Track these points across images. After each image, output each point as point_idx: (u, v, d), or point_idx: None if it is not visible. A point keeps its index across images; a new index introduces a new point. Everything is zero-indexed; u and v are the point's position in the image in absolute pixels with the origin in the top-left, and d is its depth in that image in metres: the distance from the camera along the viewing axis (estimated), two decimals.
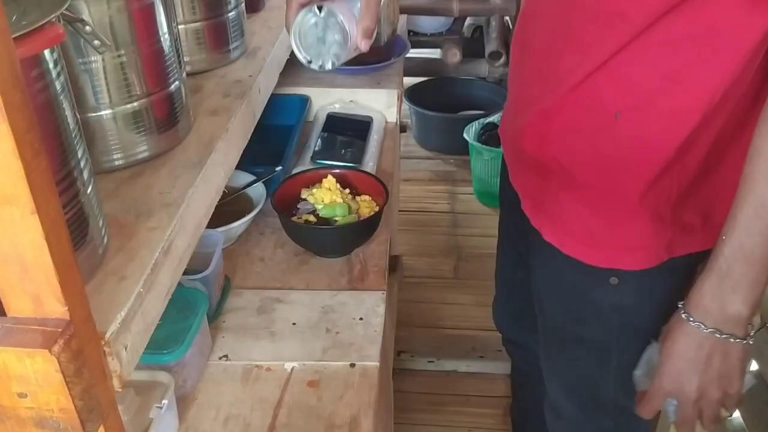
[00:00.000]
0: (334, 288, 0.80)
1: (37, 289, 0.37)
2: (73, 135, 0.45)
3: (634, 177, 0.67)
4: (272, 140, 0.95)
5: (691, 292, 0.66)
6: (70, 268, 0.38)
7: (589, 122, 0.68)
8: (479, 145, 2.07)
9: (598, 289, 0.74)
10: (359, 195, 0.89)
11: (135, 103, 0.58)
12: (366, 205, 0.86)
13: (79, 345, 0.38)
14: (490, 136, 2.10)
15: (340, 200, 0.83)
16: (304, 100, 1.12)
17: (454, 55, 2.51)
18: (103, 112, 0.57)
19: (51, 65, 0.42)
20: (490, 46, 2.54)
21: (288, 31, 0.67)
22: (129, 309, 0.44)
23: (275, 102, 0.93)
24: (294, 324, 0.75)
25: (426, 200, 2.17)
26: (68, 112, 0.44)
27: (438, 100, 2.44)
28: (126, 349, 0.44)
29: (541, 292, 0.82)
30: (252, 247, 0.89)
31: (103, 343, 0.41)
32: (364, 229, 0.85)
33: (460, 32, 2.77)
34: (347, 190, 0.88)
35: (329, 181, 0.86)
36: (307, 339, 0.72)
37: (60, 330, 0.37)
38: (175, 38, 0.62)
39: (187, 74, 0.74)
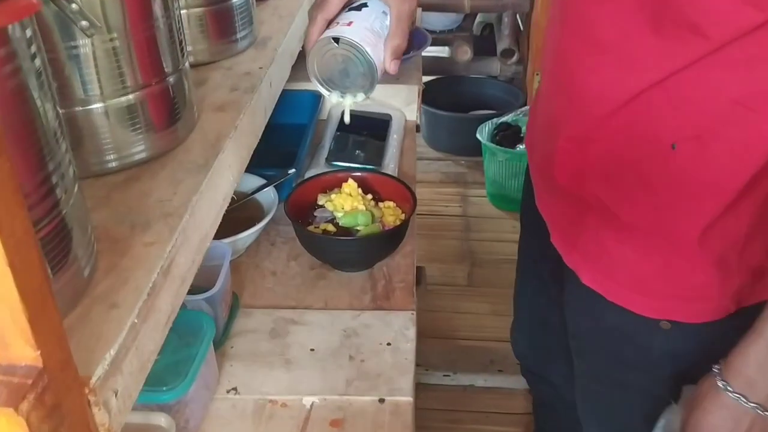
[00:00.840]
0: (356, 307, 0.72)
1: (0, 329, 0.29)
2: (53, 131, 0.37)
3: (693, 217, 0.58)
4: (283, 140, 0.87)
5: (732, 355, 0.57)
6: (43, 300, 0.29)
7: (636, 152, 0.58)
8: (493, 145, 1.98)
9: (647, 334, 0.65)
10: (382, 201, 0.80)
11: (130, 96, 0.50)
12: (390, 213, 0.78)
13: (55, 398, 0.30)
14: (504, 136, 2.02)
15: (362, 207, 0.74)
16: (317, 97, 1.03)
17: (465, 53, 2.43)
18: (92, 106, 0.49)
19: (23, 45, 0.34)
20: (502, 43, 2.46)
21: (307, 63, 0.60)
22: (121, 345, 0.36)
23: (285, 98, 0.85)
24: (312, 350, 0.66)
25: (437, 203, 2.09)
26: (46, 104, 0.36)
27: (448, 99, 2.36)
28: (116, 395, 0.36)
29: (579, 333, 0.74)
30: (262, 259, 0.80)
31: (87, 391, 0.33)
32: (390, 241, 0.76)
33: (471, 29, 2.69)
34: (369, 196, 0.79)
35: (350, 186, 0.77)
36: (327, 368, 0.64)
37: (30, 381, 0.29)
38: (176, 22, 0.54)
39: (190, 66, 0.67)
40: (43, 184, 0.35)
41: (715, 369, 0.58)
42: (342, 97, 0.61)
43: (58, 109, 0.39)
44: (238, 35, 0.72)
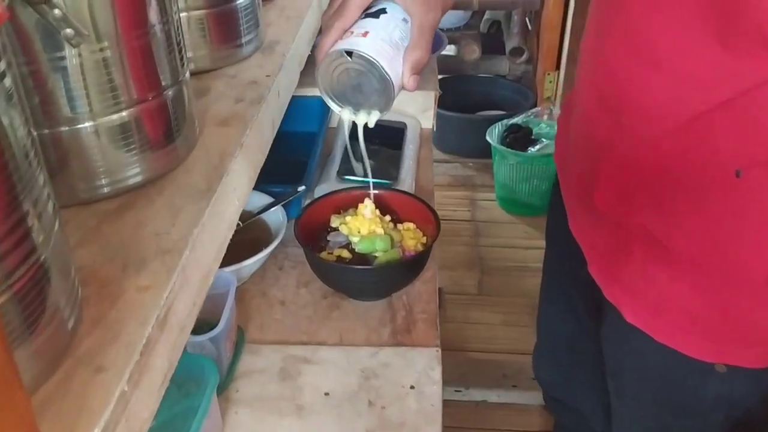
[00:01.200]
0: (375, 343, 0.66)
1: None
2: (27, 164, 0.31)
3: (760, 253, 0.52)
4: (290, 150, 0.80)
5: None
6: (6, 385, 0.24)
7: (694, 180, 0.52)
8: (504, 148, 1.92)
9: (700, 377, 0.60)
10: (401, 222, 0.74)
11: (123, 113, 0.44)
12: (410, 236, 0.71)
13: None
14: (514, 138, 1.96)
15: (380, 230, 0.68)
16: (325, 104, 0.97)
17: (473, 52, 2.37)
18: (80, 125, 0.43)
19: None
20: (511, 42, 2.40)
21: (316, 76, 0.54)
22: (108, 420, 0.30)
23: (292, 105, 0.79)
24: (327, 394, 0.60)
25: (445, 207, 2.03)
26: (18, 132, 0.30)
27: (455, 99, 2.30)
28: None
29: (620, 372, 0.68)
30: (269, 285, 0.74)
31: None
32: (411, 269, 0.70)
33: (478, 27, 2.63)
34: (387, 217, 0.73)
35: (367, 207, 0.71)
36: (344, 416, 0.58)
37: None
38: (175, 28, 0.48)
39: (190, 74, 0.61)
40: (17, 227, 0.30)
41: None
42: (355, 114, 0.55)
43: (34, 134, 0.33)
44: (243, 39, 0.66)
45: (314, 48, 0.79)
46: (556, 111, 2.04)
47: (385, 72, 0.51)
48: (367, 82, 0.53)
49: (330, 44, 0.53)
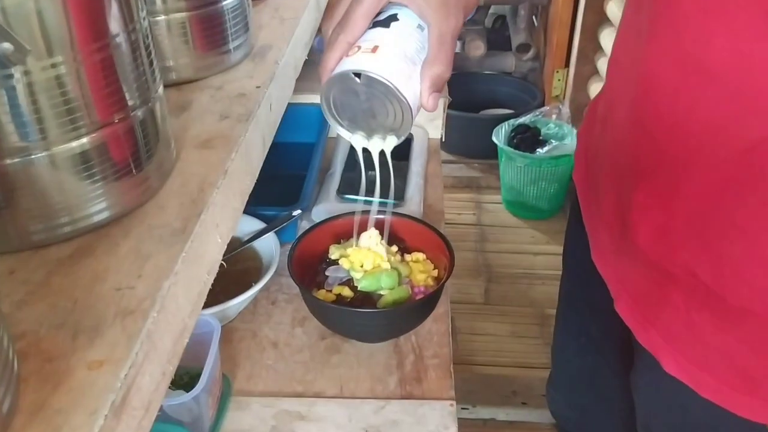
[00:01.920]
0: (380, 395, 0.59)
1: None
2: None
3: None
4: (283, 164, 0.73)
5: None
6: None
7: (752, 217, 0.45)
8: (511, 149, 1.85)
9: None
10: (408, 252, 0.67)
11: (83, 139, 0.38)
12: (420, 269, 0.64)
13: None
14: (522, 139, 1.89)
15: (386, 264, 0.61)
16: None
17: (478, 48, 2.30)
18: (33, 156, 0.37)
19: None
20: (518, 37, 2.32)
21: (320, 98, 0.47)
22: None
23: (286, 113, 0.72)
24: None
25: (449, 210, 1.96)
26: None
27: (459, 97, 2.22)
28: None
29: (655, 425, 0.61)
30: (260, 324, 0.67)
31: None
32: (422, 310, 0.62)
33: (483, 22, 2.55)
34: (394, 247, 0.66)
35: (371, 237, 0.63)
36: None
37: None
38: (144, 36, 0.41)
39: (169, 85, 0.54)
40: None
41: None
42: (367, 140, 0.47)
43: None
44: (231, 45, 0.59)
45: (311, 52, 0.72)
46: (566, 110, 1.97)
47: (401, 94, 0.44)
48: (380, 106, 0.46)
49: (334, 62, 0.46)
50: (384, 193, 0.74)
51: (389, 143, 0.47)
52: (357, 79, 0.45)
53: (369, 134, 0.48)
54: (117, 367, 0.30)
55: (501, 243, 1.82)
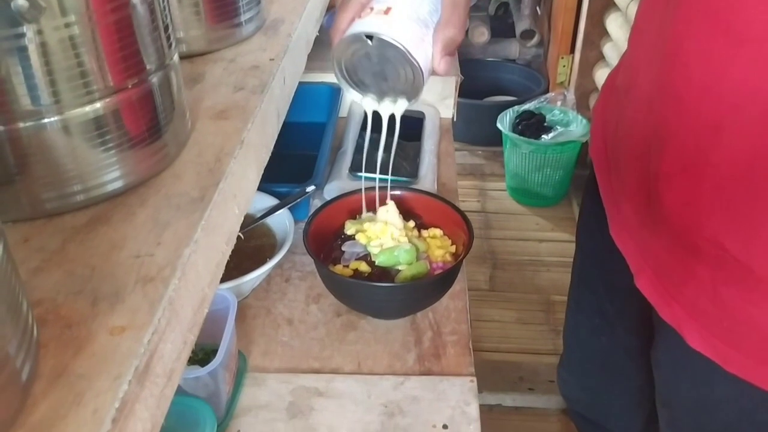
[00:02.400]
0: (399, 371, 0.57)
1: None
2: None
3: None
4: (295, 144, 0.72)
5: None
6: None
7: None
8: (516, 136, 1.84)
9: None
10: (425, 227, 0.66)
11: (97, 104, 0.37)
12: (437, 244, 0.63)
13: None
14: (526, 125, 1.88)
15: (404, 240, 0.60)
16: (336, 90, 0.88)
17: (482, 35, 2.28)
18: (45, 120, 0.35)
19: None
20: (522, 24, 2.31)
21: (332, 60, 0.46)
22: None
23: (298, 93, 0.71)
24: None
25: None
26: None
27: (463, 84, 2.21)
28: None
29: (677, 401, 0.60)
30: (275, 301, 0.66)
31: None
32: (440, 285, 0.61)
33: (487, 9, 2.53)
34: (411, 223, 0.65)
35: (389, 211, 0.62)
36: None
37: None
38: (160, 0, 0.40)
39: (181, 57, 0.53)
40: None
41: None
42: (378, 102, 0.47)
43: None
44: (243, 18, 0.58)
45: (321, 28, 0.70)
46: (570, 97, 1.95)
47: (412, 57, 0.43)
48: (391, 69, 0.45)
49: (346, 23, 0.45)
50: (392, 170, 0.73)
51: (399, 107, 0.47)
52: (369, 42, 0.44)
53: (380, 97, 0.47)
54: (140, 333, 0.29)
55: (506, 230, 1.81)
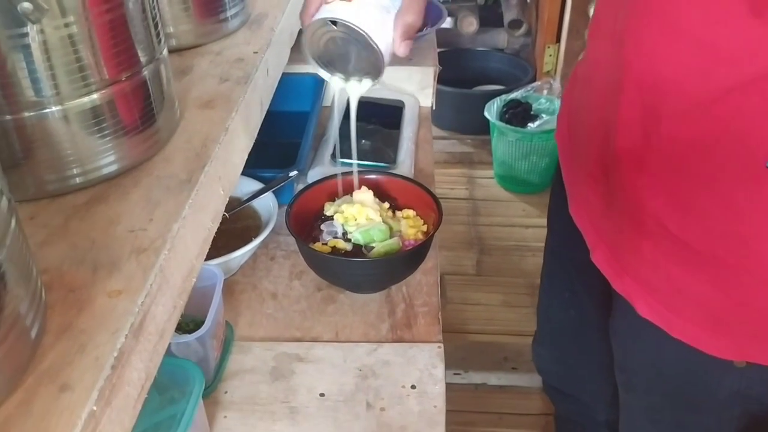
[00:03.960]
0: (373, 339, 0.62)
1: None
2: None
3: None
4: (280, 132, 0.76)
5: None
6: None
7: (718, 169, 0.47)
8: (503, 124, 1.88)
9: (717, 373, 0.57)
10: (399, 209, 0.70)
11: (94, 95, 0.41)
12: (410, 224, 0.67)
13: None
14: (513, 114, 1.91)
15: (378, 219, 0.64)
16: (319, 81, 0.92)
17: (471, 24, 2.31)
18: (47, 110, 0.39)
19: None
20: (510, 14, 2.34)
21: (302, 44, 0.50)
22: None
23: (282, 83, 0.75)
24: (322, 395, 0.57)
25: (442, 185, 1.99)
26: None
27: (452, 73, 2.24)
28: None
29: (631, 366, 0.65)
30: (260, 278, 0.70)
31: None
32: (411, 260, 0.66)
33: None
34: (386, 204, 0.69)
35: (364, 194, 0.66)
36: (341, 420, 0.54)
37: None
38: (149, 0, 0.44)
39: (171, 51, 0.56)
40: None
41: None
42: (345, 81, 0.51)
43: None
44: (229, 13, 0.62)
45: (300, 16, 0.74)
46: (556, 85, 1.99)
47: (372, 41, 0.48)
48: (354, 51, 0.49)
49: (314, 9, 0.49)
50: (372, 156, 0.77)
51: (364, 86, 0.51)
52: (334, 26, 0.49)
53: (347, 77, 0.52)
54: (134, 295, 0.33)
55: (493, 216, 1.86)
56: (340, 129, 0.73)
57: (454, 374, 1.39)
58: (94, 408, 0.28)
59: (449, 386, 1.43)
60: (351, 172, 0.66)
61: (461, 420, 1.29)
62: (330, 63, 0.53)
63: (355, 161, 0.66)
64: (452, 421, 1.29)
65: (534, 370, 1.32)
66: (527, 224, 1.82)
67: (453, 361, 1.41)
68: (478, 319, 1.52)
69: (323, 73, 0.54)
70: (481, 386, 1.36)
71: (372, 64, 0.50)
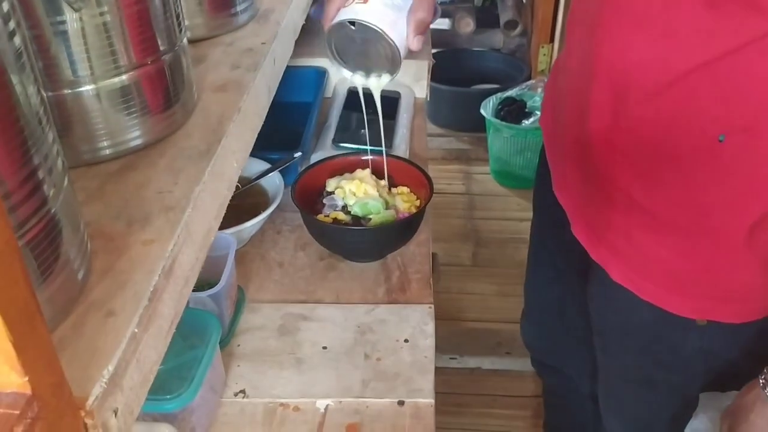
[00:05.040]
0: (370, 301, 0.68)
1: None
2: (37, 120, 0.33)
3: (740, 215, 0.53)
4: (286, 120, 0.82)
5: None
6: (29, 319, 0.26)
7: (677, 144, 0.52)
8: (498, 121, 1.93)
9: (682, 331, 0.62)
10: (395, 186, 0.76)
11: (123, 76, 0.46)
12: (404, 199, 0.73)
13: (47, 427, 0.27)
14: (508, 111, 1.97)
15: (374, 193, 0.70)
16: (321, 73, 0.98)
17: (468, 25, 2.37)
18: (83, 88, 0.45)
19: None
20: (505, 14, 2.39)
21: (326, 45, 0.55)
22: (120, 359, 0.32)
23: (288, 75, 0.80)
24: (325, 348, 0.63)
25: (439, 180, 2.04)
26: (29, 89, 0.32)
27: (450, 73, 2.30)
28: (116, 414, 0.32)
29: (606, 329, 0.70)
30: (268, 249, 0.76)
31: (83, 414, 0.30)
32: (405, 230, 0.72)
33: (473, 1, 2.61)
34: (382, 182, 0.75)
35: (362, 172, 0.72)
36: (342, 368, 0.60)
37: (18, 411, 0.26)
38: None
39: (188, 42, 0.62)
40: (29, 180, 0.31)
41: (762, 379, 0.55)
42: (366, 77, 0.57)
43: (43, 93, 0.34)
44: (238, 8, 0.67)
45: (308, 18, 0.80)
46: None
47: (389, 37, 0.53)
48: (373, 48, 0.55)
49: (333, 13, 0.54)
50: (377, 140, 0.82)
51: (383, 80, 0.57)
52: (352, 27, 0.54)
53: (367, 73, 0.57)
54: (165, 244, 0.38)
55: (489, 210, 1.91)
56: (341, 117, 0.78)
57: (450, 359, 1.45)
58: (136, 330, 0.34)
59: (444, 370, 1.49)
60: (351, 153, 0.71)
61: (457, 402, 1.35)
62: (351, 62, 0.59)
63: (382, 148, 0.71)
64: (448, 403, 1.35)
65: (527, 354, 1.38)
66: (522, 218, 1.88)
67: (449, 346, 1.47)
68: (474, 308, 1.57)
69: (346, 73, 0.59)
70: (476, 370, 1.41)
71: (389, 59, 0.55)
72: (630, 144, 0.55)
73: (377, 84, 0.57)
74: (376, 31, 0.53)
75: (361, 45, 0.55)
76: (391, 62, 0.55)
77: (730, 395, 0.61)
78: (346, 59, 0.59)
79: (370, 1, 0.54)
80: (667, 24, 0.50)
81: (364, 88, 0.59)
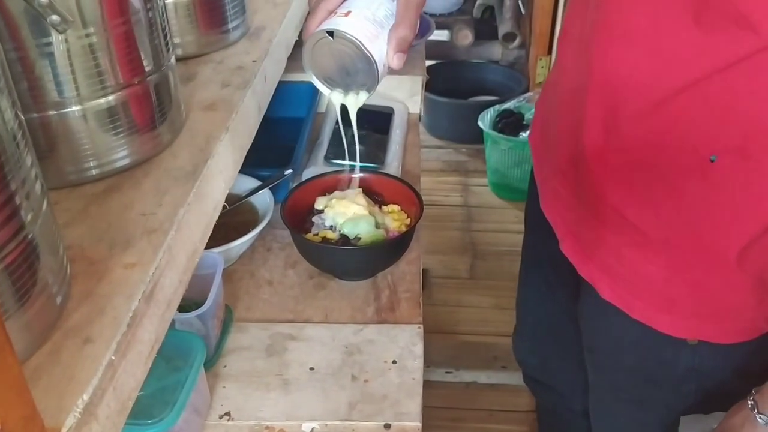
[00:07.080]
0: (359, 320, 0.67)
1: None
2: (14, 145, 0.32)
3: (732, 235, 0.53)
4: (278, 135, 0.82)
5: (766, 387, 0.54)
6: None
7: (669, 164, 0.52)
8: (496, 133, 1.94)
9: (673, 350, 0.61)
10: (385, 204, 0.76)
11: (109, 97, 0.46)
12: (395, 217, 0.73)
13: None
14: (506, 123, 1.97)
15: (365, 212, 0.70)
16: (314, 90, 0.98)
17: (466, 37, 2.38)
18: (68, 109, 0.45)
19: None
20: (504, 27, 2.40)
21: (303, 58, 0.55)
22: (96, 387, 0.32)
23: (280, 90, 0.80)
24: (312, 369, 0.62)
25: (437, 192, 2.05)
26: (5, 113, 0.32)
27: (448, 85, 2.31)
28: None
29: (597, 347, 0.70)
30: (257, 266, 0.76)
31: None
32: (394, 249, 0.71)
33: (471, 12, 2.62)
34: (373, 199, 0.75)
35: (353, 190, 0.72)
36: (328, 390, 0.60)
37: None
38: (160, 14, 0.49)
39: (177, 59, 0.62)
40: (5, 205, 0.31)
41: (750, 400, 0.54)
42: (344, 96, 0.56)
43: (21, 116, 0.34)
44: (230, 25, 0.67)
45: (302, 33, 0.80)
46: None
47: (367, 51, 0.52)
48: (351, 63, 0.54)
49: (315, 25, 0.54)
50: (364, 158, 0.82)
51: (361, 98, 0.56)
52: (331, 38, 0.53)
53: (345, 91, 0.56)
54: (146, 268, 0.38)
55: (486, 223, 1.91)
56: (334, 133, 0.78)
57: (446, 372, 1.44)
58: (113, 358, 0.33)
59: (440, 384, 1.47)
60: (342, 171, 0.71)
61: (452, 416, 1.34)
62: (329, 78, 0.58)
63: (357, 163, 0.70)
64: (443, 418, 1.34)
65: None
66: (519, 230, 1.86)
67: (444, 359, 1.46)
68: (470, 321, 1.56)
69: (323, 89, 0.58)
70: (471, 384, 1.40)
71: (367, 74, 0.54)
72: (622, 162, 0.55)
73: (354, 101, 0.57)
74: (354, 42, 0.52)
75: (340, 59, 0.54)
76: (370, 78, 0.54)
77: (716, 416, 0.60)
78: (323, 76, 0.58)
79: (352, 14, 0.53)
80: (655, 41, 0.50)
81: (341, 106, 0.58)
